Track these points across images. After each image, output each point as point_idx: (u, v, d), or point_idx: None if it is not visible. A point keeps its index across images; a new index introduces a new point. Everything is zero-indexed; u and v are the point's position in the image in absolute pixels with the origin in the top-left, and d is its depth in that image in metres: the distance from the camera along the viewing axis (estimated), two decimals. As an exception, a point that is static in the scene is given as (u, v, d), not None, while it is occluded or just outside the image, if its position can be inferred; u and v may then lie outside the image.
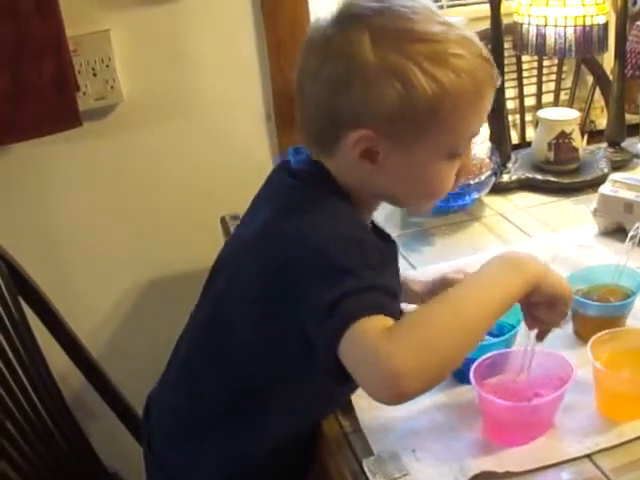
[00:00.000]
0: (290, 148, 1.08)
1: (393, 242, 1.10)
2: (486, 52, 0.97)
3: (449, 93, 0.93)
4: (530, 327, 1.01)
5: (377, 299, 0.87)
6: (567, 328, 1.19)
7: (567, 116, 1.71)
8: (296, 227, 0.95)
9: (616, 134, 1.78)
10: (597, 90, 2.29)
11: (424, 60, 0.92)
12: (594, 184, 1.61)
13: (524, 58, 2.28)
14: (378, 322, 0.85)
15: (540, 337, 1.01)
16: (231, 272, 1.05)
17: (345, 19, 0.96)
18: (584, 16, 1.67)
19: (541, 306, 0.97)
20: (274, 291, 0.95)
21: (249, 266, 1.01)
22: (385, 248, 1.01)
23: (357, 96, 0.94)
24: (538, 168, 1.70)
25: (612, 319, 1.14)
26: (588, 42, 1.68)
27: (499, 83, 0.99)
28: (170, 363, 1.16)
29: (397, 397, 0.84)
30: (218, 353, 1.06)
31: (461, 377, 1.07)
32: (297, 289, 0.91)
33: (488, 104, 0.99)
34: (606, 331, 1.06)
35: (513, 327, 1.09)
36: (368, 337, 0.84)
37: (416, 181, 1.00)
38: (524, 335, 1.04)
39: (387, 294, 0.89)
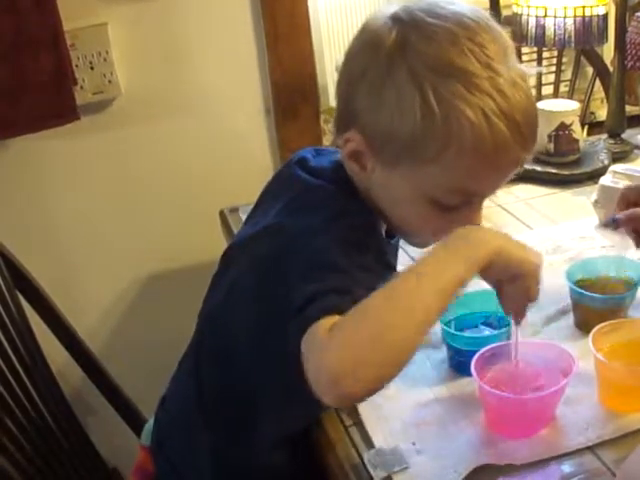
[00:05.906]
0: (310, 148, 1.06)
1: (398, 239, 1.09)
2: (526, 119, 0.90)
3: (460, 138, 0.88)
4: (505, 311, 0.96)
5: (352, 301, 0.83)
6: (568, 320, 1.19)
7: (567, 107, 1.70)
8: (301, 224, 0.93)
9: (616, 125, 1.78)
10: (597, 81, 2.28)
11: (454, 97, 0.87)
12: (594, 175, 1.60)
13: (523, 49, 2.26)
14: (332, 320, 0.81)
15: (516, 319, 0.96)
16: (239, 267, 1.04)
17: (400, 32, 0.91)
18: (584, 7, 1.66)
19: (505, 282, 0.91)
20: (272, 287, 0.94)
21: (253, 261, 1.00)
22: (390, 247, 1.03)
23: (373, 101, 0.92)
24: (538, 159, 1.69)
25: (614, 310, 1.14)
26: (588, 33, 1.68)
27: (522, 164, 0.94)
28: (186, 353, 1.16)
29: (340, 398, 0.80)
30: (219, 351, 1.06)
31: (462, 369, 1.07)
32: (288, 283, 0.89)
33: (498, 172, 0.93)
34: (608, 322, 1.05)
35: (514, 319, 1.09)
36: (315, 336, 0.81)
37: (399, 210, 0.98)
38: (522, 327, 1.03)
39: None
